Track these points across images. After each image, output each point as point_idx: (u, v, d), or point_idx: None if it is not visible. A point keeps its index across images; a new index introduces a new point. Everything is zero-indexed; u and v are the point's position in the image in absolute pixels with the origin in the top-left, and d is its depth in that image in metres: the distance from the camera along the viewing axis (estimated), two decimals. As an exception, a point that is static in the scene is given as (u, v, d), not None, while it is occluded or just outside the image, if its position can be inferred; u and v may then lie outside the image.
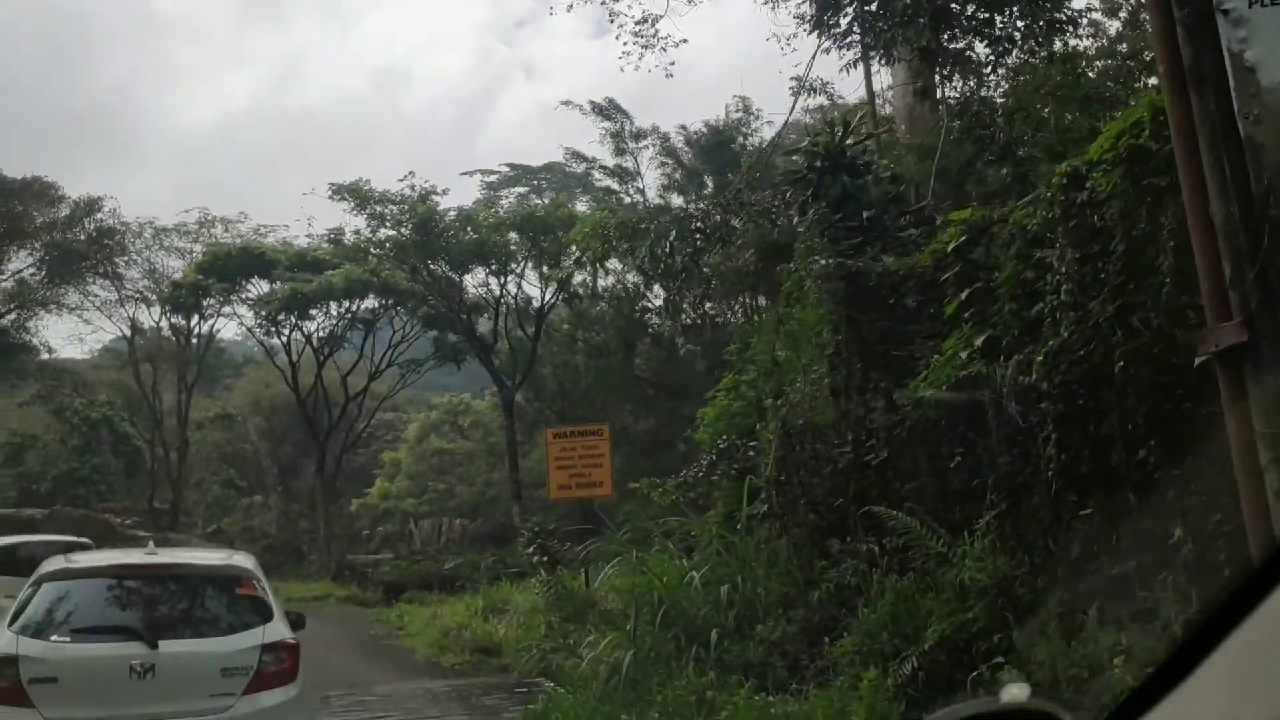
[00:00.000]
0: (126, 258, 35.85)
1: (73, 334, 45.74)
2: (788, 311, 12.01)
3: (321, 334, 34.89)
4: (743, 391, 17.54)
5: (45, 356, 37.21)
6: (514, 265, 30.02)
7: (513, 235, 29.16)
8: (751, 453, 12.88)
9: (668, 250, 14.81)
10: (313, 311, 33.78)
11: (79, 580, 7.53)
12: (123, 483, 46.44)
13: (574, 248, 22.53)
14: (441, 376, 60.18)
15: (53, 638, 6.77)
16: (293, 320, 33.94)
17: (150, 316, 38.35)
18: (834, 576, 8.99)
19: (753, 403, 17.14)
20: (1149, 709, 1.45)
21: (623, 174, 31.51)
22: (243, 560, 8.36)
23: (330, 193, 27.70)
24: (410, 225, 27.63)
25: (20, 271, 34.72)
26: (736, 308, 27.88)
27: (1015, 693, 1.69)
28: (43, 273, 34.70)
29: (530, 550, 17.90)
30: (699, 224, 15.29)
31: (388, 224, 28.16)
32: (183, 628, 7.27)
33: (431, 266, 29.57)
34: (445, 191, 28.31)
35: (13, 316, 34.48)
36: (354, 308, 34.02)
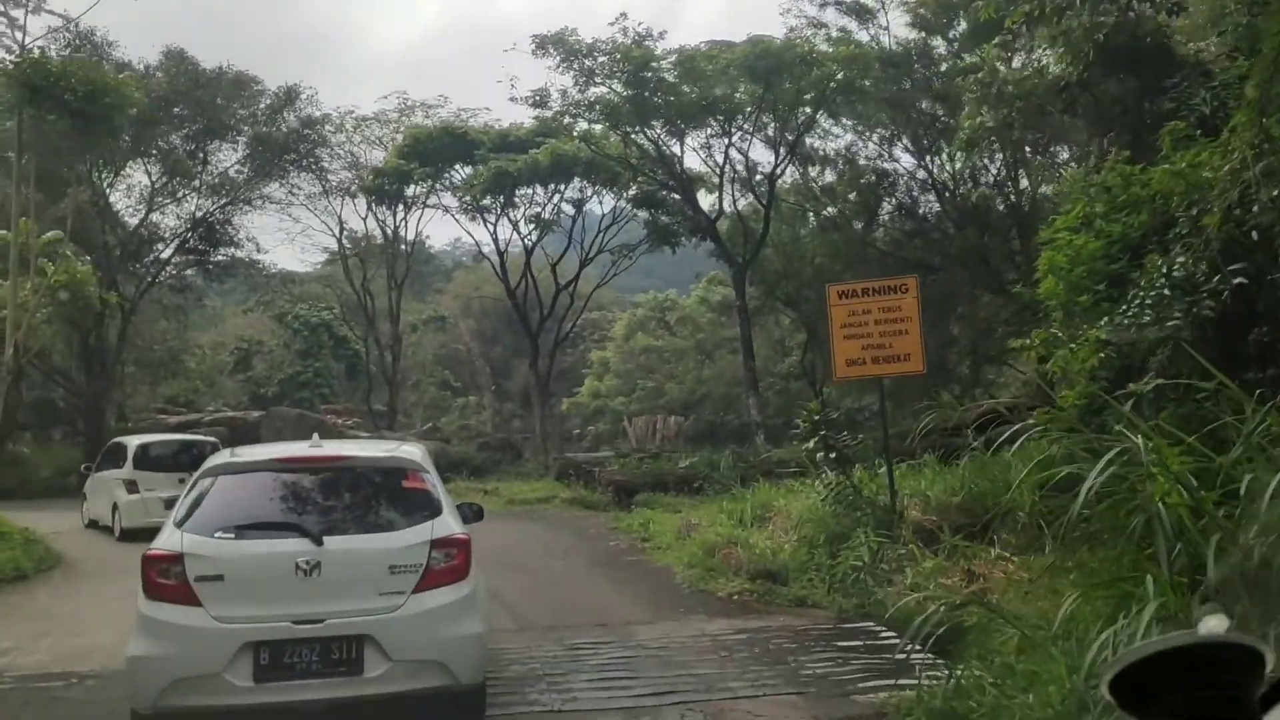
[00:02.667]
0: (329, 150, 32.76)
1: (279, 229, 44.00)
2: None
3: (529, 220, 30.85)
4: (1101, 226, 12.19)
5: (257, 256, 34.84)
6: (741, 121, 24.69)
7: (739, 90, 23.81)
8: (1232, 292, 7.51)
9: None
10: (518, 195, 29.71)
11: (242, 475, 6.65)
12: (344, 385, 44.96)
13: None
14: (641, 278, 56.51)
15: (217, 534, 6.10)
16: (499, 205, 29.96)
17: (356, 210, 35.36)
18: None
19: (1122, 237, 11.85)
20: None
21: (860, 12, 25.46)
22: (410, 451, 7.14)
23: (533, 46, 23.08)
24: (623, 78, 22.72)
25: (227, 168, 32.13)
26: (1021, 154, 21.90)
27: (1213, 625, 1.38)
28: (247, 168, 31.95)
29: (812, 444, 13.04)
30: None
31: (597, 79, 23.33)
32: (348, 523, 6.45)
33: (646, 132, 24.68)
34: (663, 34, 23.10)
35: (218, 212, 31.92)
36: (561, 189, 29.73)
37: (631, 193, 29.01)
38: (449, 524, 6.38)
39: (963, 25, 25.32)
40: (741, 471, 19.88)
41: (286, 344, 43.58)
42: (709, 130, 25.22)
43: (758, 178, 26.46)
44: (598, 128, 26.27)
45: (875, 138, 26.18)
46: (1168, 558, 4.99)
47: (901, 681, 6.84)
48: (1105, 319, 8.58)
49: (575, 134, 26.48)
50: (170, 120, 30.06)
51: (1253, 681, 1.34)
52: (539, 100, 24.98)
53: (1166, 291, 7.97)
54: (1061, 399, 11.28)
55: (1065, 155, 24.29)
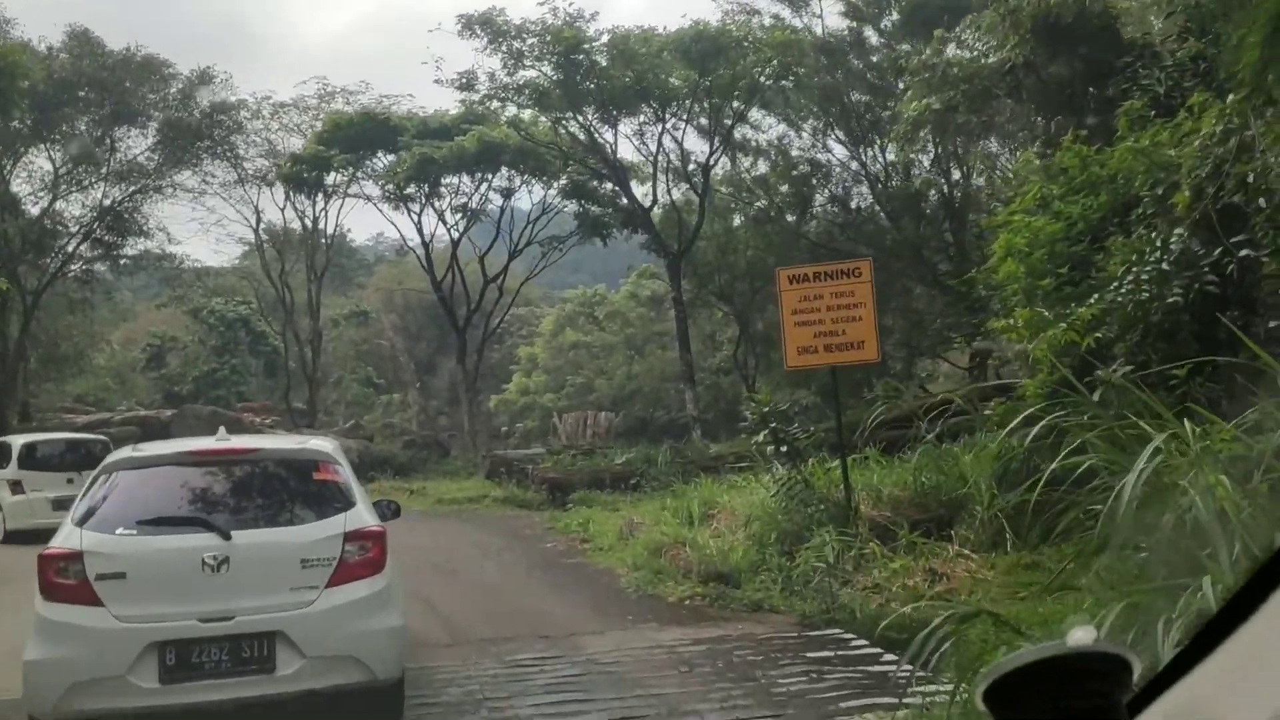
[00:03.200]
0: (244, 136, 31.00)
1: (193, 219, 42.03)
2: None
3: (455, 210, 29.52)
4: (1059, 208, 11.71)
5: (170, 248, 32.89)
6: (675, 108, 23.80)
7: (674, 75, 22.93)
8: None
9: None
10: (444, 183, 28.40)
11: (145, 470, 6.31)
12: (262, 382, 43.06)
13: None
14: (569, 273, 55.34)
15: (119, 531, 5.77)
16: (423, 194, 28.62)
17: (274, 200, 33.60)
18: None
19: (1082, 219, 11.38)
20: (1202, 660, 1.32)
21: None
22: (320, 444, 7.05)
23: (459, 27, 21.89)
24: (554, 61, 21.66)
25: (137, 155, 30.14)
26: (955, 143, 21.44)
27: (1081, 636, 1.38)
28: (158, 155, 30.03)
29: (761, 438, 12.22)
30: None
31: (527, 62, 22.23)
32: (258, 517, 6.10)
33: (577, 118, 23.66)
34: (595, 15, 22.16)
35: (127, 201, 29.91)
36: (489, 177, 28.50)
37: (562, 182, 27.94)
38: (363, 516, 6.11)
39: (894, 15, 24.91)
40: (681, 467, 19.05)
41: (201, 340, 41.60)
42: (642, 117, 24.35)
43: (691, 167, 25.66)
44: (527, 113, 25.21)
45: (809, 128, 25.59)
46: (1230, 560, 4.21)
47: (890, 700, 6.03)
48: (1095, 296, 7.86)
49: (503, 119, 25.38)
50: (75, 103, 28.10)
51: (1121, 689, 1.35)
52: (466, 83, 23.77)
53: (1165, 266, 7.28)
54: (1023, 389, 10.68)
55: (996, 148, 24.03)
